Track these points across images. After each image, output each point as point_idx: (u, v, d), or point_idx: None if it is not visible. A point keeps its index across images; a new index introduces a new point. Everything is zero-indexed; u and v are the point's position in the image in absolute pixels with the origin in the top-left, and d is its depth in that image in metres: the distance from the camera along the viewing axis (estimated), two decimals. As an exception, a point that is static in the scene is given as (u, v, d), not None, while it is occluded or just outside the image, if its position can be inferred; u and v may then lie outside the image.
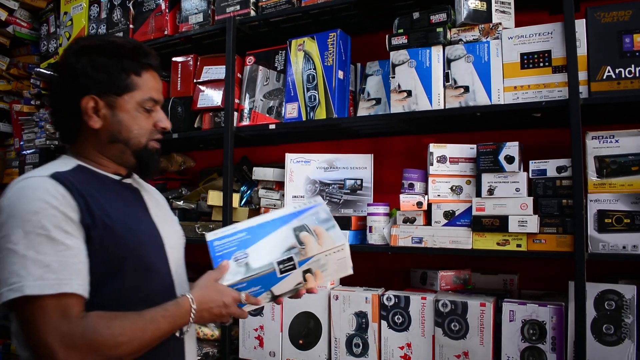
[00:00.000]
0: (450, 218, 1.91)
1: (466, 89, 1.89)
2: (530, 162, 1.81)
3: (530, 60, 1.82)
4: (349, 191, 2.28)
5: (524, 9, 2.05)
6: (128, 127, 1.31)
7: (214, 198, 2.42)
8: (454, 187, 1.94)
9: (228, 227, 1.37)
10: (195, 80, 2.55)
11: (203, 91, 2.51)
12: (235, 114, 2.37)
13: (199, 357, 2.28)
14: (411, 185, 2.00)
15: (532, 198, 1.78)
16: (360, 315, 1.97)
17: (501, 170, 1.82)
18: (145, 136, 1.34)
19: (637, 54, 1.67)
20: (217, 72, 2.48)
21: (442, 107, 1.93)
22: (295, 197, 2.30)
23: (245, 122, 2.37)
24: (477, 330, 1.78)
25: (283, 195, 2.33)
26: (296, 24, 2.34)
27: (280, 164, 2.40)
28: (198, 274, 1.32)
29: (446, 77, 1.94)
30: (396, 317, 1.92)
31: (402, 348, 1.91)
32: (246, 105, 2.39)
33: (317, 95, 2.19)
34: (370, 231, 2.05)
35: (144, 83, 1.32)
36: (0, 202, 1.16)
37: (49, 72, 3.05)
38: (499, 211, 1.82)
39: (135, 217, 1.32)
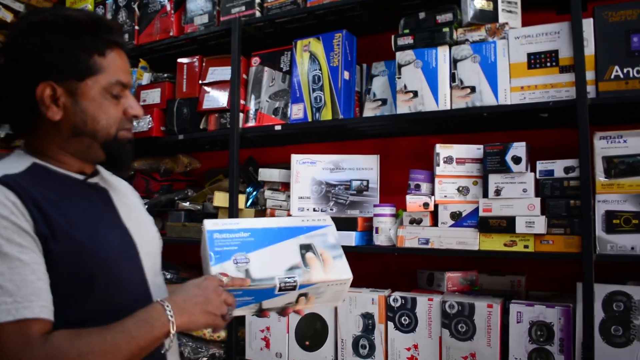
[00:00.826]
0: (457, 219, 1.91)
1: (473, 89, 1.89)
2: (538, 162, 1.80)
3: (537, 60, 1.81)
4: (355, 192, 2.28)
5: (531, 8, 2.04)
6: (94, 117, 1.12)
7: (220, 199, 2.42)
8: (460, 188, 1.94)
9: (230, 220, 1.27)
10: (200, 82, 2.55)
11: (208, 92, 2.51)
12: (241, 115, 2.37)
13: (205, 358, 2.28)
14: (417, 186, 2.00)
15: (539, 199, 1.77)
16: (367, 317, 1.97)
17: (508, 171, 1.82)
18: (114, 126, 1.15)
19: (646, 53, 1.66)
20: (222, 73, 2.48)
21: (449, 108, 1.92)
22: (301, 198, 2.30)
23: (251, 123, 2.37)
24: (484, 332, 1.78)
25: (289, 196, 2.33)
26: (302, 24, 2.33)
27: (286, 165, 2.40)
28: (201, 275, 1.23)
29: (452, 77, 1.93)
30: (403, 318, 1.91)
31: (408, 349, 1.90)
32: (252, 107, 2.39)
33: (322, 96, 2.18)
34: (377, 232, 2.05)
35: (109, 64, 1.13)
36: None
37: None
38: (506, 212, 1.81)
39: (103, 224, 1.15)
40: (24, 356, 0.94)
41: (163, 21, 2.64)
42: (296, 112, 2.25)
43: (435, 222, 1.97)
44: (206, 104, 2.49)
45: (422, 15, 2.00)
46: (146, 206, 2.21)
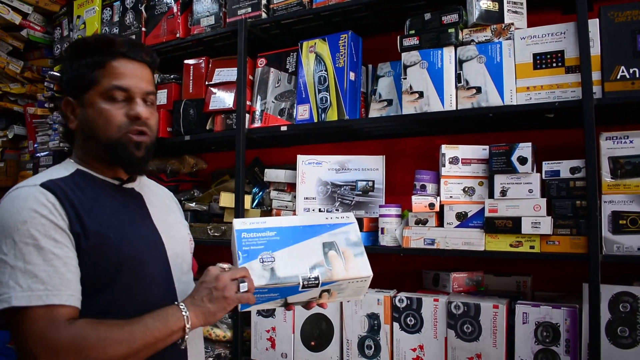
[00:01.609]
0: (463, 219, 1.91)
1: (478, 89, 1.88)
2: (544, 163, 1.80)
3: (543, 61, 1.81)
4: (360, 192, 2.28)
5: (537, 9, 2.04)
6: (94, 122, 1.25)
7: (226, 200, 2.43)
8: (466, 189, 1.94)
9: (258, 219, 1.32)
10: (207, 83, 2.56)
11: (215, 93, 2.52)
12: (247, 115, 2.38)
13: (211, 358, 2.28)
14: (423, 187, 2.00)
15: (545, 199, 1.77)
16: (372, 317, 1.97)
17: (514, 172, 1.81)
18: (114, 129, 1.25)
19: (652, 53, 1.65)
20: (228, 74, 2.50)
21: (454, 108, 1.92)
22: (307, 198, 2.30)
23: (257, 124, 2.38)
24: (490, 333, 1.77)
25: (295, 196, 2.33)
26: (307, 25, 2.34)
27: (292, 166, 2.40)
28: None
29: (458, 78, 1.93)
30: (408, 319, 1.91)
31: (414, 350, 1.90)
32: (258, 107, 2.40)
33: (328, 97, 2.19)
34: (382, 233, 2.05)
35: (107, 73, 1.26)
36: None
37: (65, 68, 3.08)
38: (511, 212, 1.81)
39: (133, 224, 1.28)
40: (51, 335, 1.06)
41: (170, 23, 2.65)
42: (302, 112, 2.25)
43: (441, 223, 1.97)
44: (212, 105, 2.50)
45: (427, 16, 2.00)
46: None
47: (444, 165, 1.94)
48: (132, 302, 1.19)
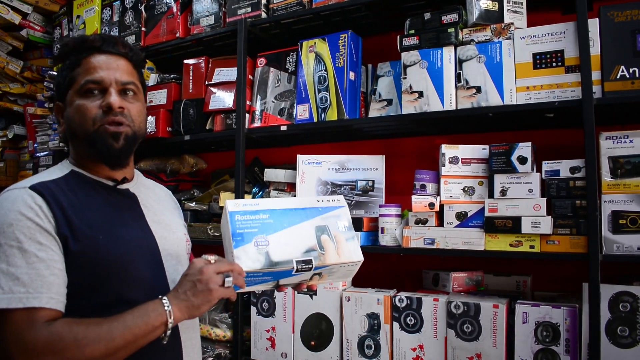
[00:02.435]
0: (463, 219, 1.91)
1: (478, 89, 1.88)
2: (543, 162, 1.80)
3: (542, 60, 1.81)
4: (360, 192, 2.28)
5: (536, 8, 2.04)
6: (72, 119, 1.27)
7: (226, 199, 2.42)
8: (466, 188, 1.94)
9: (250, 200, 1.32)
10: (206, 82, 2.56)
11: (214, 93, 2.52)
12: (247, 115, 2.38)
13: (211, 358, 2.28)
14: (423, 187, 2.00)
15: (545, 199, 1.77)
16: (372, 317, 1.97)
17: (514, 171, 1.81)
18: (90, 122, 1.25)
19: (652, 53, 1.65)
20: (228, 74, 2.49)
21: (454, 108, 1.92)
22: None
23: (257, 124, 2.38)
24: (490, 332, 1.77)
25: (294, 196, 2.33)
26: (307, 25, 2.34)
27: (292, 166, 2.40)
28: None
29: (458, 77, 1.93)
30: (408, 318, 1.91)
31: (414, 350, 1.90)
32: (257, 107, 2.40)
33: (328, 97, 2.19)
34: (382, 232, 2.05)
35: (82, 69, 1.28)
36: None
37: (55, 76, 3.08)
38: (511, 212, 1.81)
39: (124, 225, 1.27)
40: (28, 337, 1.06)
41: (169, 22, 2.65)
42: (302, 112, 2.25)
43: (440, 223, 1.97)
44: (212, 105, 2.50)
45: (427, 15, 2.00)
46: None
47: (444, 165, 1.94)
48: (123, 303, 1.16)
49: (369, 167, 2.31)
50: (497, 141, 1.90)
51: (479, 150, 1.94)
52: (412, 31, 2.03)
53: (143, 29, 2.76)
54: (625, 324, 1.62)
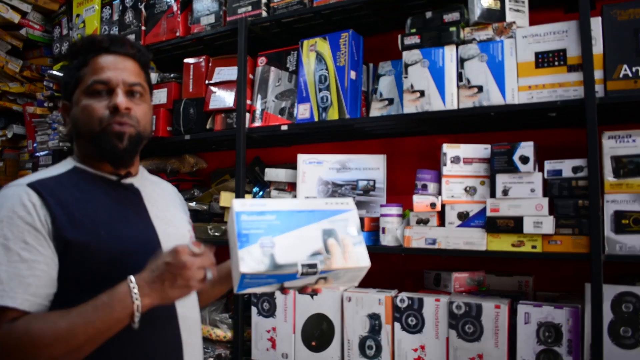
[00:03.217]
0: (464, 219, 1.90)
1: (480, 88, 1.88)
2: (546, 162, 1.79)
3: (545, 59, 1.80)
4: (361, 192, 2.27)
5: (539, 7, 2.03)
6: (78, 119, 1.28)
7: (226, 199, 2.42)
8: (467, 188, 1.93)
9: (257, 200, 1.29)
10: (207, 82, 2.55)
11: (215, 92, 2.51)
12: (247, 115, 2.37)
13: (212, 359, 2.28)
14: (424, 186, 1.99)
15: (547, 199, 1.76)
16: (373, 317, 1.96)
17: (516, 171, 1.81)
18: (96, 122, 1.26)
19: (655, 52, 1.64)
20: (228, 73, 2.49)
21: (456, 107, 1.91)
22: (307, 197, 2.30)
23: (257, 123, 2.37)
24: (492, 333, 1.77)
25: (295, 196, 2.33)
26: (308, 24, 2.33)
27: (293, 165, 2.40)
28: None
29: (459, 76, 1.92)
30: (410, 319, 1.90)
31: (415, 350, 1.89)
32: (258, 107, 2.39)
33: (329, 96, 2.18)
34: (384, 232, 2.04)
35: (90, 69, 1.28)
36: None
37: (62, 75, 3.07)
38: (513, 212, 1.80)
39: (127, 220, 1.27)
40: None
41: (169, 21, 2.64)
42: (302, 112, 2.24)
43: (442, 222, 1.96)
44: (212, 104, 2.50)
45: (429, 14, 1.99)
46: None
47: (446, 165, 1.93)
48: None
49: (370, 167, 2.30)
50: (499, 141, 1.89)
51: (481, 150, 1.93)
52: (414, 30, 2.02)
53: (143, 27, 2.75)
54: (628, 325, 1.62)
